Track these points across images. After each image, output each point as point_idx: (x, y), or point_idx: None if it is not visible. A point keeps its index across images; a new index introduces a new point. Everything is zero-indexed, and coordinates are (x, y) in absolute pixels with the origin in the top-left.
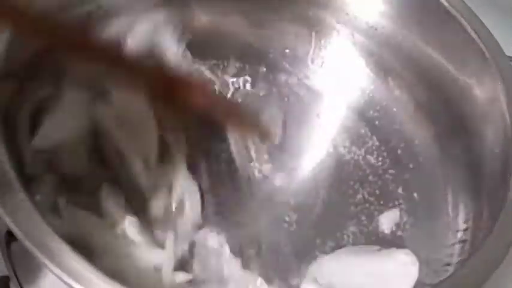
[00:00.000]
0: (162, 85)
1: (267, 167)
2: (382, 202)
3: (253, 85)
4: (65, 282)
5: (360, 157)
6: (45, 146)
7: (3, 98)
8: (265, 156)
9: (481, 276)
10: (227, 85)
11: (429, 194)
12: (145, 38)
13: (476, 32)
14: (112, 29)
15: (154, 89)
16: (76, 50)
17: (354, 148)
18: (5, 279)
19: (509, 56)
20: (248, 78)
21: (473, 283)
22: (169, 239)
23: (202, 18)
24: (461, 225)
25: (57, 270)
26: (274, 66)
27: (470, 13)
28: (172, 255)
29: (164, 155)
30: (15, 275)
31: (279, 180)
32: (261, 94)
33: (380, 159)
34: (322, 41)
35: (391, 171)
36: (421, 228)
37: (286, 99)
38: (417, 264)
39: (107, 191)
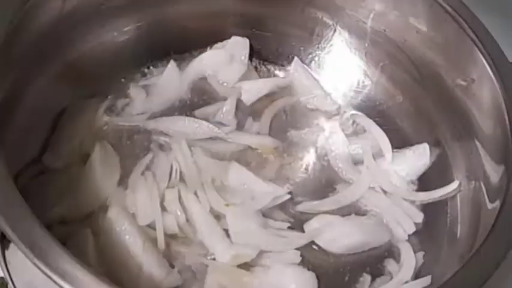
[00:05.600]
0: None
1: None
2: None
3: None
4: (57, 283)
5: None
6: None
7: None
8: None
9: (482, 276)
10: None
11: None
12: None
13: (476, 35)
14: None
15: None
16: None
17: None
18: (3, 280)
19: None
20: None
21: (474, 283)
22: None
23: None
24: None
25: (49, 272)
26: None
27: (471, 15)
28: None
29: None
30: (9, 276)
31: None
32: None
33: None
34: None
35: None
36: None
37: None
38: None
39: None
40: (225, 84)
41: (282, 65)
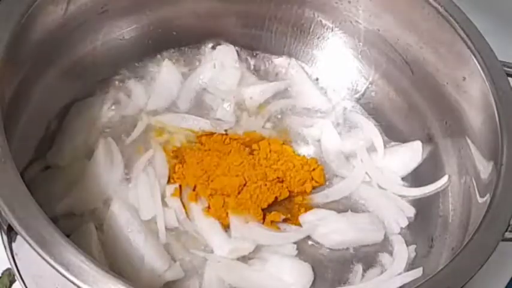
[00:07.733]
0: None
1: None
2: None
3: None
4: (62, 274)
5: None
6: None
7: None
8: None
9: (472, 268)
10: None
11: None
12: None
13: (467, 34)
14: None
15: None
16: None
17: None
18: (10, 271)
19: (501, 61)
20: None
21: (464, 274)
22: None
23: None
24: None
25: (54, 263)
26: None
27: (462, 15)
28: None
29: None
30: (16, 267)
31: None
32: None
33: None
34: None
35: None
36: None
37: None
38: None
39: None
40: (225, 90)
41: (279, 64)
